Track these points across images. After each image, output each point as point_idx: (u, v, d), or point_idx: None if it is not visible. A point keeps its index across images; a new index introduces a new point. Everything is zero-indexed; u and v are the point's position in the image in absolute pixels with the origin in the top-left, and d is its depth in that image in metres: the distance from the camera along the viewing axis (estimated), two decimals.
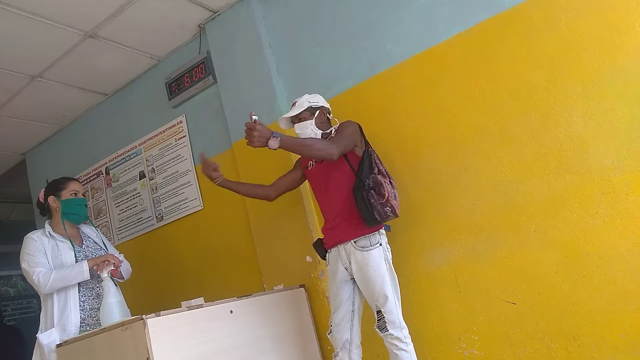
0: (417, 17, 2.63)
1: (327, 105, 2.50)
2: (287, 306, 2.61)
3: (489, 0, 2.42)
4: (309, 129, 2.38)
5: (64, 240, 2.57)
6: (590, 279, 2.14)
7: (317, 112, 2.42)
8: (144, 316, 1.89)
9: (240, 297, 2.39)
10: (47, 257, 2.49)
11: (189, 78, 3.45)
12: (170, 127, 3.61)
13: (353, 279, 2.30)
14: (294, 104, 2.46)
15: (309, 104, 2.41)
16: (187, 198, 3.46)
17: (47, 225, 2.62)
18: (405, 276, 2.54)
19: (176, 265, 3.51)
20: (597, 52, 2.18)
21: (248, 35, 3.17)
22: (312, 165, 2.47)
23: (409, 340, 2.14)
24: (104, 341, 2.00)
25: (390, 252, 2.27)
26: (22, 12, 2.82)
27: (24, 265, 2.46)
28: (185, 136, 3.51)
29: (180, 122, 3.55)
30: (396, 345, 2.12)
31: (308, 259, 2.78)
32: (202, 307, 2.15)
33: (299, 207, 2.86)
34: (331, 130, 2.42)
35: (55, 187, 2.67)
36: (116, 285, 2.48)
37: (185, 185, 3.48)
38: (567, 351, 2.16)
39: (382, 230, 2.29)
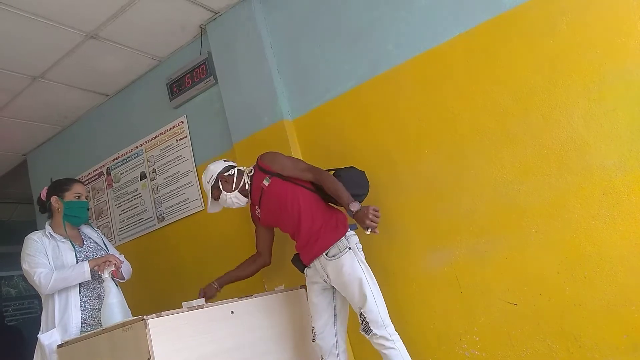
0: (418, 18, 2.63)
1: (219, 168, 2.55)
2: (288, 307, 2.61)
3: (490, 1, 2.42)
4: (226, 200, 2.51)
5: (64, 240, 2.57)
6: (591, 279, 2.14)
7: (220, 183, 2.52)
8: (145, 317, 1.88)
9: (241, 297, 2.39)
10: (47, 257, 2.48)
11: (190, 79, 3.45)
12: (171, 128, 3.62)
13: (333, 287, 2.34)
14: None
15: (209, 185, 2.53)
16: (188, 199, 3.46)
17: (47, 226, 2.62)
18: (406, 277, 2.54)
19: (177, 266, 3.51)
20: (599, 53, 2.18)
21: (249, 36, 3.17)
22: (258, 209, 2.54)
23: (395, 337, 2.14)
24: (105, 342, 2.00)
25: (361, 252, 2.29)
26: (24, 13, 2.82)
27: (24, 266, 2.46)
28: (186, 137, 3.52)
29: (182, 122, 3.56)
30: (383, 345, 2.12)
31: None
32: (203, 307, 2.14)
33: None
34: (243, 177, 2.51)
35: (59, 187, 2.67)
36: (117, 286, 2.48)
37: (186, 186, 3.48)
38: (569, 352, 2.16)
39: (350, 233, 2.32)
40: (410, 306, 2.49)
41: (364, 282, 2.18)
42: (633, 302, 2.05)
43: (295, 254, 2.50)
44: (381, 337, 2.12)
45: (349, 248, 2.26)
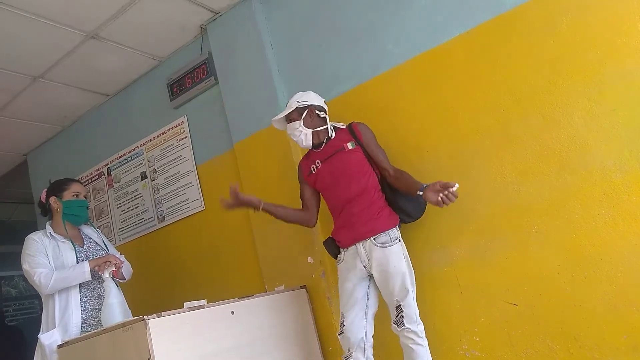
0: (419, 18, 2.63)
1: (317, 102, 2.45)
2: (288, 307, 2.61)
3: (490, 1, 2.42)
4: (297, 130, 2.40)
5: (65, 240, 2.57)
6: (591, 280, 2.13)
7: (305, 112, 2.41)
8: (145, 317, 1.89)
9: (242, 297, 2.39)
10: (48, 257, 2.49)
11: (190, 79, 3.45)
12: (171, 128, 3.62)
13: (369, 276, 2.29)
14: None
15: (297, 104, 2.41)
16: (188, 199, 3.47)
17: (48, 226, 2.62)
18: None
19: (178, 266, 3.51)
20: (599, 53, 2.18)
21: (249, 36, 3.17)
22: (316, 168, 2.44)
23: (424, 335, 2.14)
24: (106, 342, 2.00)
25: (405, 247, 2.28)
26: (24, 13, 2.82)
27: (25, 266, 2.47)
28: (186, 137, 3.52)
29: (182, 122, 3.56)
30: (412, 340, 2.10)
31: (309, 259, 2.78)
32: (204, 307, 2.15)
33: (300, 207, 2.85)
34: (327, 129, 2.42)
35: (57, 187, 2.67)
36: (117, 286, 2.48)
37: (187, 186, 3.48)
38: (569, 352, 2.16)
39: (398, 227, 2.30)
40: None
41: (407, 276, 2.16)
42: (633, 303, 2.05)
43: (329, 237, 2.42)
44: (413, 332, 2.11)
45: (399, 240, 2.24)
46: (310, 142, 2.43)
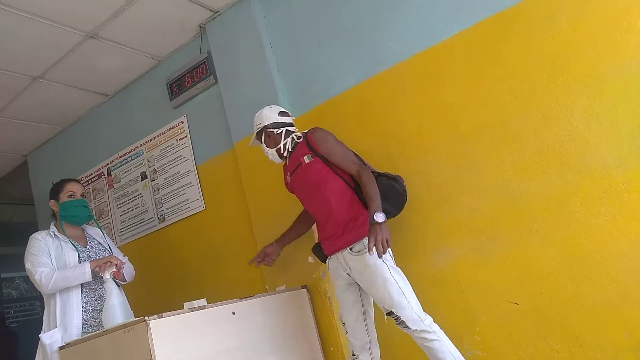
0: (418, 15, 2.62)
1: (270, 119, 2.45)
2: (289, 307, 2.61)
3: None
4: (264, 151, 2.48)
5: (67, 241, 2.58)
6: (592, 278, 2.13)
7: (263, 134, 2.47)
8: (146, 318, 1.88)
9: (243, 298, 2.38)
10: (50, 257, 2.49)
11: (190, 78, 3.45)
12: (171, 128, 3.61)
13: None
14: None
15: (255, 129, 2.49)
16: (188, 199, 3.46)
17: (52, 226, 2.64)
18: (407, 276, 2.52)
19: (178, 267, 3.51)
20: (599, 50, 2.18)
21: (249, 35, 3.17)
22: (289, 177, 2.47)
23: (435, 327, 2.08)
24: (107, 343, 2.00)
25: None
26: (23, 13, 2.82)
27: (27, 264, 2.48)
28: (186, 137, 3.52)
29: (182, 122, 3.55)
30: (425, 339, 2.05)
31: (310, 259, 2.78)
32: (205, 308, 2.14)
33: (300, 207, 2.85)
34: (286, 143, 2.42)
35: (54, 190, 2.69)
36: (119, 287, 2.48)
37: (187, 186, 3.48)
38: (570, 351, 2.15)
39: None
40: None
41: (388, 279, 2.10)
42: (634, 301, 2.04)
43: (316, 243, 2.44)
44: (422, 331, 2.05)
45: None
46: (279, 159, 2.49)
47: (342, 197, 2.28)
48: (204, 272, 3.36)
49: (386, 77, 2.70)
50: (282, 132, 2.45)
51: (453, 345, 2.07)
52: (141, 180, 3.77)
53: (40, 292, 2.52)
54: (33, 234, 2.59)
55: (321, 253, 2.40)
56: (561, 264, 2.20)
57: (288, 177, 2.48)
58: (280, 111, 2.50)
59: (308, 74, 2.99)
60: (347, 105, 2.81)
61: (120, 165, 3.93)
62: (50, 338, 2.41)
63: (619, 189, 2.10)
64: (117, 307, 2.28)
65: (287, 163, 2.47)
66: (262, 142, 2.48)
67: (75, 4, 2.85)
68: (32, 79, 3.51)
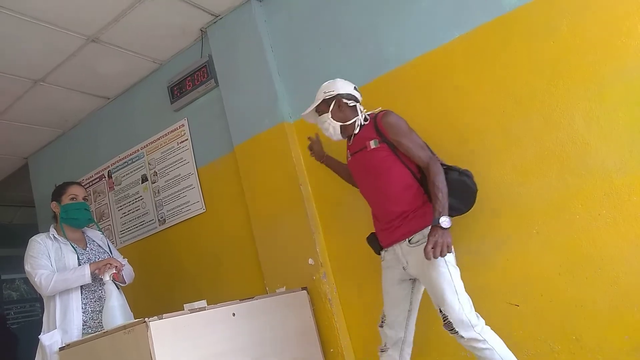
0: (418, 20, 2.63)
1: (345, 90, 2.28)
2: (289, 309, 2.61)
3: (490, 3, 2.43)
4: (327, 123, 2.28)
5: (67, 243, 2.58)
6: (593, 280, 2.13)
7: (333, 102, 2.27)
8: (146, 319, 1.89)
9: (243, 299, 2.38)
10: (50, 259, 2.50)
11: (190, 82, 3.46)
12: (172, 131, 3.62)
13: (413, 279, 2.18)
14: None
15: (324, 96, 2.28)
16: (189, 201, 3.47)
17: (52, 229, 2.63)
18: None
19: (178, 268, 3.51)
20: (599, 54, 2.18)
21: (249, 39, 3.18)
22: (349, 157, 2.32)
23: (487, 335, 1.93)
24: (107, 344, 2.00)
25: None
26: (25, 17, 2.83)
27: (27, 267, 2.48)
28: (187, 139, 3.52)
29: (182, 125, 3.56)
30: (475, 347, 1.93)
31: (310, 261, 2.78)
32: (205, 310, 2.14)
33: (300, 209, 2.86)
34: (356, 120, 2.25)
35: (56, 192, 2.69)
36: (119, 289, 2.48)
37: (188, 189, 3.48)
38: (570, 353, 2.15)
39: None
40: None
41: (445, 276, 1.98)
42: (635, 303, 2.04)
43: (372, 233, 2.31)
44: (470, 339, 1.92)
45: None
46: (340, 136, 2.31)
47: (407, 188, 2.14)
48: (204, 274, 3.36)
49: (386, 81, 2.71)
50: (355, 106, 2.29)
51: (508, 352, 1.94)
52: (142, 183, 3.78)
53: (40, 294, 2.52)
54: (33, 237, 2.59)
55: (376, 243, 2.28)
56: (562, 266, 2.20)
57: (349, 155, 2.32)
58: (354, 86, 2.34)
59: (309, 77, 2.99)
60: None
61: (121, 168, 3.94)
62: (50, 339, 2.41)
63: (620, 192, 2.11)
64: (116, 309, 2.28)
65: (351, 142, 2.30)
66: (328, 112, 2.27)
67: (77, 8, 2.86)
68: (33, 83, 3.52)
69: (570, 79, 2.24)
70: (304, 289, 2.76)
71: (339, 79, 2.35)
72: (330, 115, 2.26)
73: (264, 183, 3.02)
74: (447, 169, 2.14)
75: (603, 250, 2.12)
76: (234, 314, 2.27)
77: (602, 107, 2.16)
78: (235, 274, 3.20)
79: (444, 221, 1.94)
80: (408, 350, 2.22)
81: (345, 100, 2.27)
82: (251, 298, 2.44)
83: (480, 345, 1.92)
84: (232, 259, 3.23)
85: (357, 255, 2.70)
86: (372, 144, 2.19)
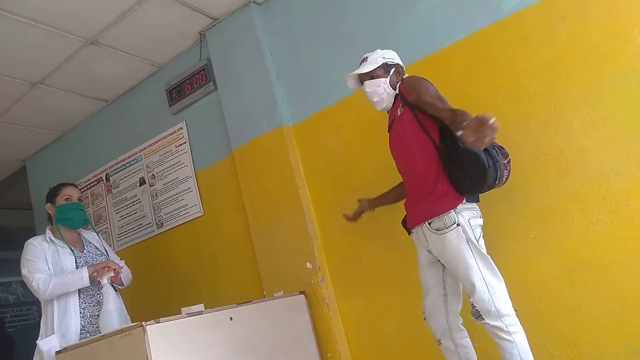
0: (417, 24, 2.64)
1: (398, 60, 2.21)
2: (287, 313, 2.61)
3: (489, 7, 2.43)
4: (382, 88, 2.13)
5: (64, 245, 2.57)
6: (590, 285, 2.13)
7: (392, 69, 2.16)
8: (143, 323, 1.88)
9: (240, 303, 2.38)
10: (47, 263, 2.48)
11: (189, 85, 3.46)
12: (170, 134, 3.62)
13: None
14: (363, 60, 2.20)
15: (384, 60, 2.15)
16: (187, 204, 3.46)
17: (47, 231, 2.61)
18: (407, 283, 2.53)
19: (176, 272, 3.51)
20: (597, 59, 2.19)
21: (248, 42, 3.18)
22: (389, 132, 2.21)
23: (514, 327, 1.85)
24: (104, 348, 1.99)
25: (477, 229, 1.94)
26: (24, 19, 2.83)
27: (24, 271, 2.46)
28: (185, 142, 3.52)
29: (181, 128, 3.56)
30: (496, 335, 1.86)
31: (308, 265, 2.78)
32: (202, 313, 2.14)
33: (298, 213, 2.86)
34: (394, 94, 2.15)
35: (51, 194, 2.67)
36: (116, 292, 2.47)
37: (186, 192, 3.48)
38: (568, 358, 2.15)
39: (464, 206, 1.93)
40: (410, 312, 2.48)
41: (472, 266, 1.87)
42: (632, 308, 2.04)
43: (405, 216, 2.19)
44: (495, 327, 1.85)
45: (457, 224, 1.90)
46: (390, 105, 2.17)
47: (430, 161, 1.98)
48: (201, 278, 3.35)
49: None
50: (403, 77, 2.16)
51: (528, 351, 1.86)
52: (140, 186, 3.77)
53: (37, 298, 2.50)
54: (28, 240, 2.56)
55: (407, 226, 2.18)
56: (559, 270, 2.20)
57: (389, 130, 2.21)
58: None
59: (307, 81, 3.00)
60: (346, 113, 2.82)
61: (119, 171, 3.94)
62: (48, 344, 2.38)
63: (617, 197, 2.11)
64: (114, 312, 2.27)
65: (389, 118, 2.21)
66: (385, 77, 2.13)
67: (75, 10, 2.86)
68: (31, 85, 3.52)
69: (569, 84, 2.24)
70: (301, 293, 2.75)
71: (393, 51, 2.24)
72: (387, 82, 2.14)
73: (263, 186, 3.01)
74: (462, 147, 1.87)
75: (601, 254, 2.12)
76: (231, 318, 2.27)
77: (600, 111, 2.17)
78: (233, 277, 3.19)
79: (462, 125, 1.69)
80: (460, 335, 2.09)
81: (402, 74, 2.19)
82: (249, 302, 2.44)
83: (504, 335, 1.85)
84: (230, 263, 3.22)
85: (355, 259, 2.70)
86: (398, 112, 2.11)
